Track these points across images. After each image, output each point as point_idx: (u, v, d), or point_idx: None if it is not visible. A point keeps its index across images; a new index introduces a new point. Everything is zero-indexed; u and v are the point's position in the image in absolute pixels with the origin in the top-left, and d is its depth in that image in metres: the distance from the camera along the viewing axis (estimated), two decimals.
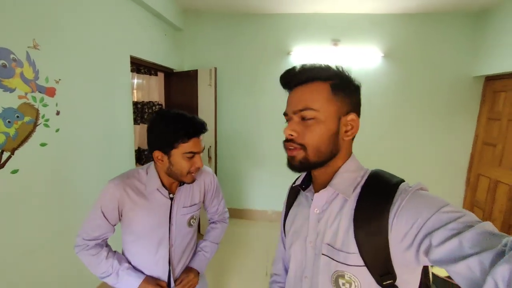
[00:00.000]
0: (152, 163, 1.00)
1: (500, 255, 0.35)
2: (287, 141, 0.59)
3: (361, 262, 0.52)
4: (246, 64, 3.14)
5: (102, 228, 0.95)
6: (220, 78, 3.10)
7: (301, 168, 0.59)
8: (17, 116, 1.31)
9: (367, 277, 0.52)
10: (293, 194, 0.74)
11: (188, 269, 1.07)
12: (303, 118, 0.57)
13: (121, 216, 0.97)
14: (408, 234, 0.47)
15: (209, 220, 1.23)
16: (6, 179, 1.28)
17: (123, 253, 1.04)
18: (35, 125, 1.41)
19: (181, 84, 3.00)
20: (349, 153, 0.63)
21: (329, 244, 0.57)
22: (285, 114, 0.62)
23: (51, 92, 1.49)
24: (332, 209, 0.59)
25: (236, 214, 3.40)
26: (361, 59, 2.95)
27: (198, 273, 1.08)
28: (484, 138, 2.83)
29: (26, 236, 1.39)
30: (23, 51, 1.32)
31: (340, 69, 0.59)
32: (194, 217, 1.07)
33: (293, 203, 0.73)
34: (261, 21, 3.05)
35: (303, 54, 2.99)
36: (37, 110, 1.42)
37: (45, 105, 1.46)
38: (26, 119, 1.36)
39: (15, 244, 1.34)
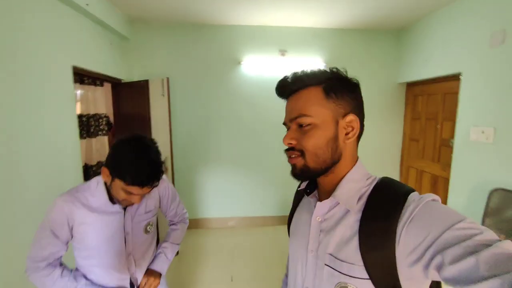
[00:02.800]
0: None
1: None
2: (288, 150, 0.59)
3: (365, 275, 0.50)
4: (199, 74, 3.17)
5: (52, 247, 0.91)
6: (173, 88, 3.06)
7: (302, 176, 0.59)
8: None
9: None
10: (298, 197, 0.72)
11: (149, 271, 1.06)
12: (300, 125, 0.57)
13: (72, 231, 0.93)
14: (417, 249, 0.44)
15: (169, 223, 1.23)
16: None
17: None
18: None
19: (131, 95, 2.88)
20: (354, 159, 0.61)
21: (331, 255, 0.55)
22: (284, 123, 0.61)
23: None
24: (335, 218, 0.57)
25: (196, 224, 3.35)
26: (306, 68, 3.22)
27: (160, 274, 1.08)
28: (410, 134, 3.32)
29: None
30: None
31: (334, 70, 0.60)
32: (151, 223, 1.07)
33: (297, 206, 0.71)
34: (211, 32, 3.12)
35: (253, 63, 3.12)
36: None
37: None
38: None
39: None
